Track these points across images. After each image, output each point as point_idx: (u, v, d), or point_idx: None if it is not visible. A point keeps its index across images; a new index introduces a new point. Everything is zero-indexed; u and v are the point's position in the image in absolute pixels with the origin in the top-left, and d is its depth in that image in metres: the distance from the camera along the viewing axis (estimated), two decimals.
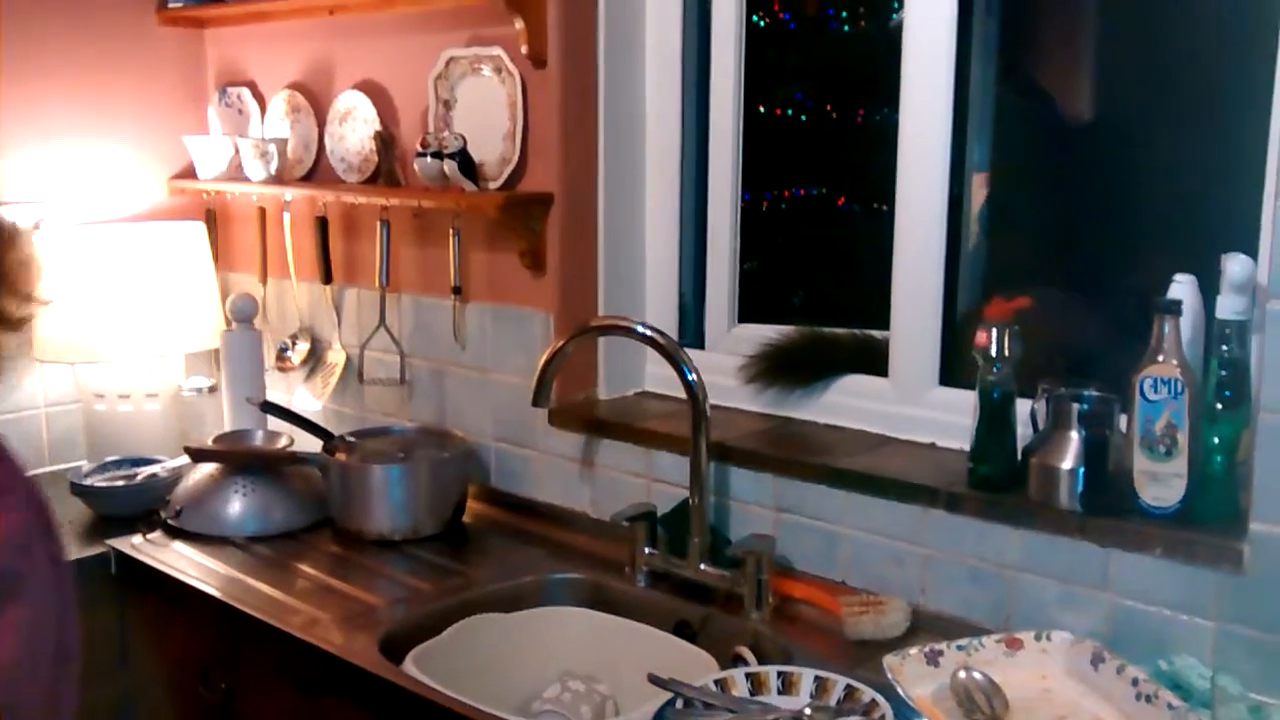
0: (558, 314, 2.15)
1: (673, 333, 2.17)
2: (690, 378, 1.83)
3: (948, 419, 1.86)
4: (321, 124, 2.55)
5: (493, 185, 2.19)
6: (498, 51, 2.17)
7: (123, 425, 2.53)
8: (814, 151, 2.30)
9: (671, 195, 2.20)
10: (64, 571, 1.06)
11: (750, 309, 2.23)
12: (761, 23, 2.20)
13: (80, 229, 2.55)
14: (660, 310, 2.23)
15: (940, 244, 1.89)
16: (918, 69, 1.86)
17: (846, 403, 1.99)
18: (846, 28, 2.29)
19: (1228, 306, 1.47)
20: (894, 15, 2.22)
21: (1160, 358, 1.49)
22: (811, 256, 2.36)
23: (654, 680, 1.41)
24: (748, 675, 1.46)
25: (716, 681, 1.45)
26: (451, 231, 2.26)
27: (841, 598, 1.74)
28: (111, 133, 2.67)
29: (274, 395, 2.53)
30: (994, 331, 1.64)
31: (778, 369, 2.02)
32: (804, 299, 2.37)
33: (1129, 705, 1.40)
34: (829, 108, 2.31)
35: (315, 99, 2.57)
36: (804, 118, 2.30)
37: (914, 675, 1.48)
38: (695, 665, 1.64)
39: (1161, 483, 1.50)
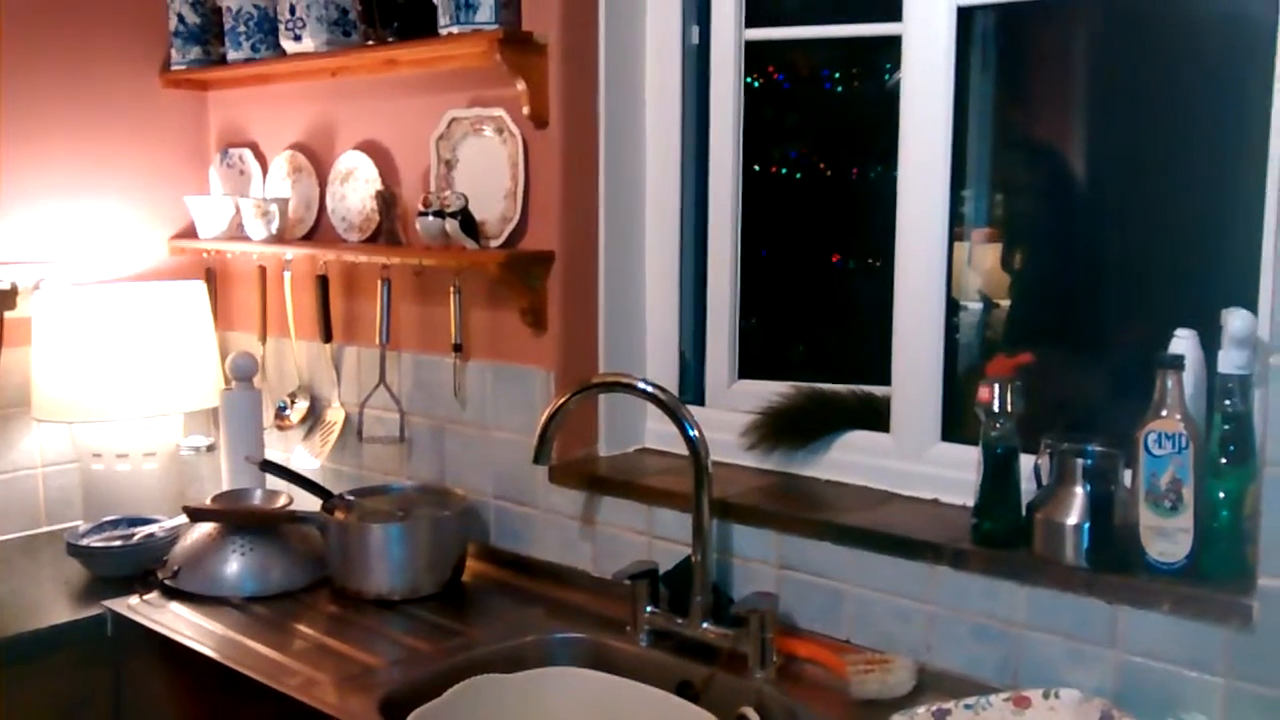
0: (558, 371, 2.15)
1: (673, 389, 2.17)
2: (692, 434, 1.83)
3: (950, 475, 1.86)
4: (323, 184, 2.56)
5: (494, 244, 2.20)
6: (499, 112, 2.19)
7: (120, 485, 2.52)
8: (808, 209, 2.32)
9: (671, 253, 2.21)
10: None
11: (748, 365, 2.23)
12: (756, 84, 2.23)
13: (80, 288, 2.55)
14: (660, 367, 2.23)
15: (940, 300, 1.89)
16: (915, 127, 1.88)
17: (848, 459, 1.98)
18: (840, 88, 2.32)
19: (1230, 361, 1.47)
20: (887, 76, 2.25)
21: (1164, 412, 1.49)
22: (806, 313, 2.37)
23: None
24: None
25: None
26: (452, 290, 2.27)
27: (846, 656, 1.73)
28: (113, 193, 2.69)
29: (272, 454, 2.52)
30: (996, 387, 1.64)
31: (779, 432, 2.02)
32: (802, 354, 2.37)
33: None
34: (822, 166, 2.33)
35: (316, 159, 2.59)
36: (799, 176, 2.33)
37: None
38: None
39: (1168, 538, 1.49)
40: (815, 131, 2.35)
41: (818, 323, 2.38)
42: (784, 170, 2.31)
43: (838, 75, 2.31)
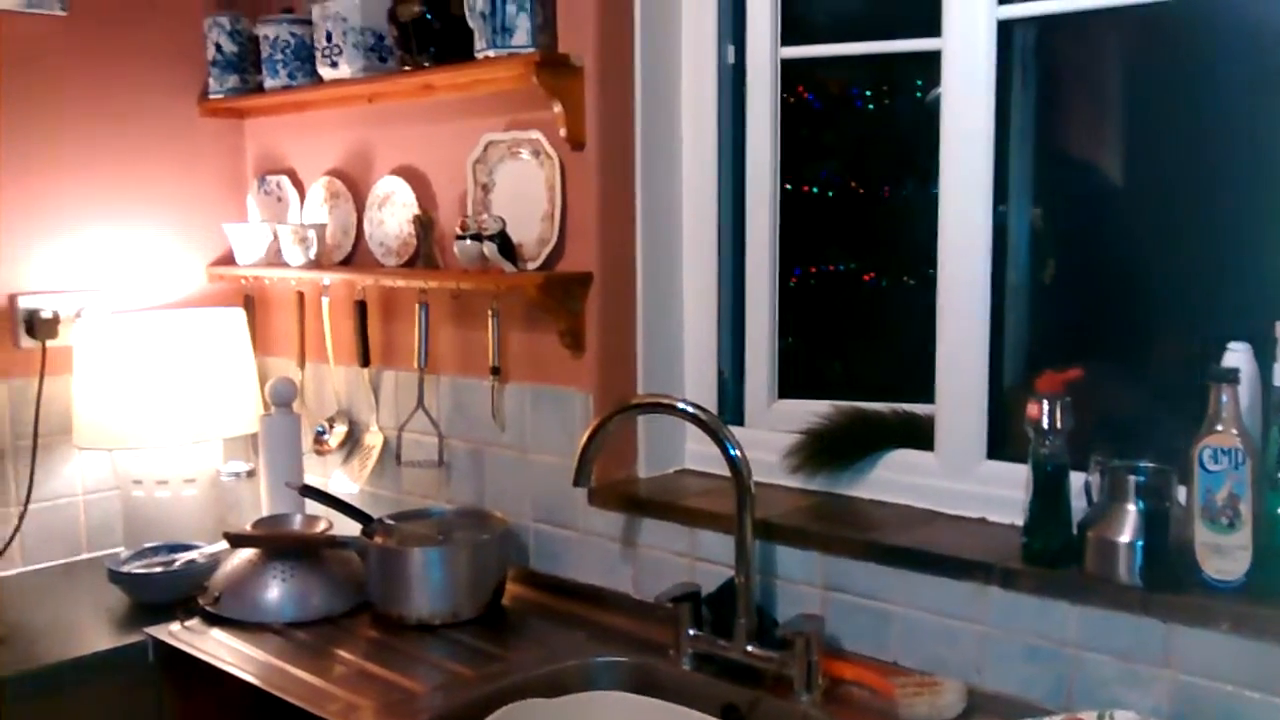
0: (597, 393, 2.14)
1: (712, 410, 2.16)
2: (734, 454, 1.81)
3: (997, 493, 1.83)
4: (360, 209, 2.57)
5: (531, 266, 2.20)
6: (536, 135, 2.19)
7: (161, 511, 2.52)
8: (841, 228, 2.31)
9: (709, 272, 2.20)
10: None
11: (785, 384, 2.21)
12: (787, 103, 2.22)
13: (121, 316, 2.57)
14: (699, 387, 2.21)
15: (985, 316, 1.87)
16: (957, 142, 1.86)
17: (892, 478, 1.96)
18: (871, 106, 2.31)
19: None
20: (919, 94, 2.24)
21: (1219, 427, 1.46)
22: (841, 332, 2.35)
23: None
24: None
25: None
26: (490, 313, 2.27)
27: (894, 679, 1.70)
28: (152, 221, 2.71)
29: (311, 478, 2.52)
30: (1045, 404, 1.62)
31: (822, 454, 2.00)
32: (839, 374, 2.36)
33: None
34: (854, 184, 2.32)
35: (354, 185, 2.60)
36: (831, 194, 2.32)
37: None
38: None
39: (1225, 555, 1.46)
40: (847, 150, 2.34)
41: (853, 341, 2.36)
42: (815, 190, 2.30)
43: (869, 93, 2.31)
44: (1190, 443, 1.50)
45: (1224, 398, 1.47)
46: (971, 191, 1.85)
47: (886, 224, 2.29)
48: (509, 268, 2.16)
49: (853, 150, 2.34)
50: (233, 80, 2.67)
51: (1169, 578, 1.52)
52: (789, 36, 2.12)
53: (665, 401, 1.91)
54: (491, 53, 2.09)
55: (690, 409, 1.86)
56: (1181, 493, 1.55)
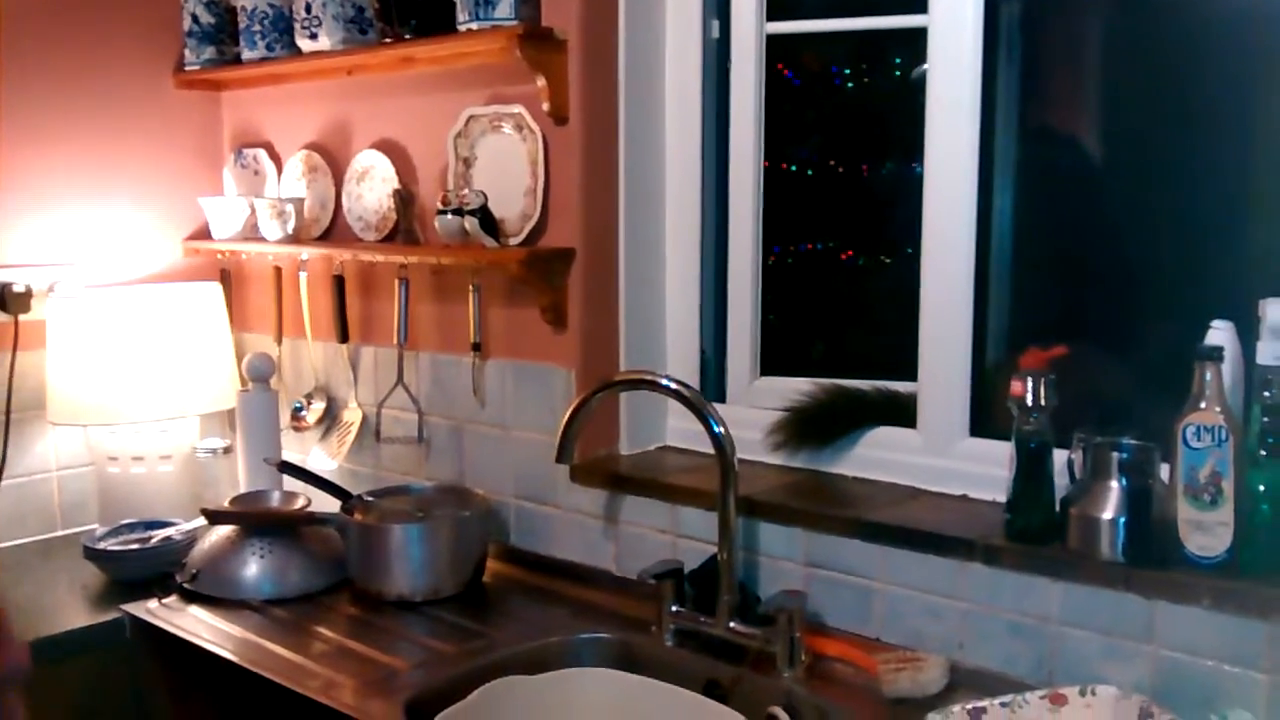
0: (579, 369, 2.13)
1: (694, 386, 2.15)
2: (718, 431, 1.81)
3: (979, 470, 1.83)
4: (339, 183, 2.55)
5: (514, 241, 2.18)
6: (519, 109, 2.17)
7: (136, 488, 2.50)
8: (819, 206, 2.30)
9: (692, 249, 2.19)
10: None
11: (766, 362, 2.21)
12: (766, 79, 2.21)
13: (95, 291, 2.53)
14: (681, 364, 2.21)
15: (968, 294, 1.87)
16: (942, 120, 1.85)
17: (875, 455, 1.96)
18: (850, 84, 2.31)
19: (1269, 352, 1.45)
20: (897, 72, 2.24)
21: (1203, 404, 1.47)
22: (821, 309, 2.35)
23: None
24: None
25: None
26: (471, 288, 2.25)
27: (877, 654, 1.70)
28: (126, 194, 2.68)
29: (288, 455, 2.50)
30: (1029, 381, 1.62)
31: (805, 431, 2.00)
32: (821, 352, 2.36)
33: None
34: (832, 162, 2.31)
35: (332, 158, 2.57)
36: (810, 172, 2.31)
37: None
38: None
39: (1207, 532, 1.47)
40: (825, 128, 2.33)
41: (831, 319, 2.36)
42: (794, 167, 2.29)
43: (847, 71, 2.30)
44: (1172, 420, 1.51)
45: (1208, 375, 1.47)
46: (956, 169, 1.85)
47: (865, 202, 2.28)
48: (491, 243, 2.15)
49: (831, 128, 2.33)
50: (209, 52, 2.63)
51: (1151, 554, 1.53)
52: (774, 12, 2.11)
53: (649, 378, 1.90)
54: (474, 25, 2.06)
55: (674, 385, 1.86)
56: (1164, 470, 1.56)
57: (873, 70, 2.28)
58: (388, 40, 2.27)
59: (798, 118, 2.30)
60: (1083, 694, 1.50)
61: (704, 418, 1.82)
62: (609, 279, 2.14)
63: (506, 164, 2.20)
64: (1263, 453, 1.46)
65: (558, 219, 2.14)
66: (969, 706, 1.48)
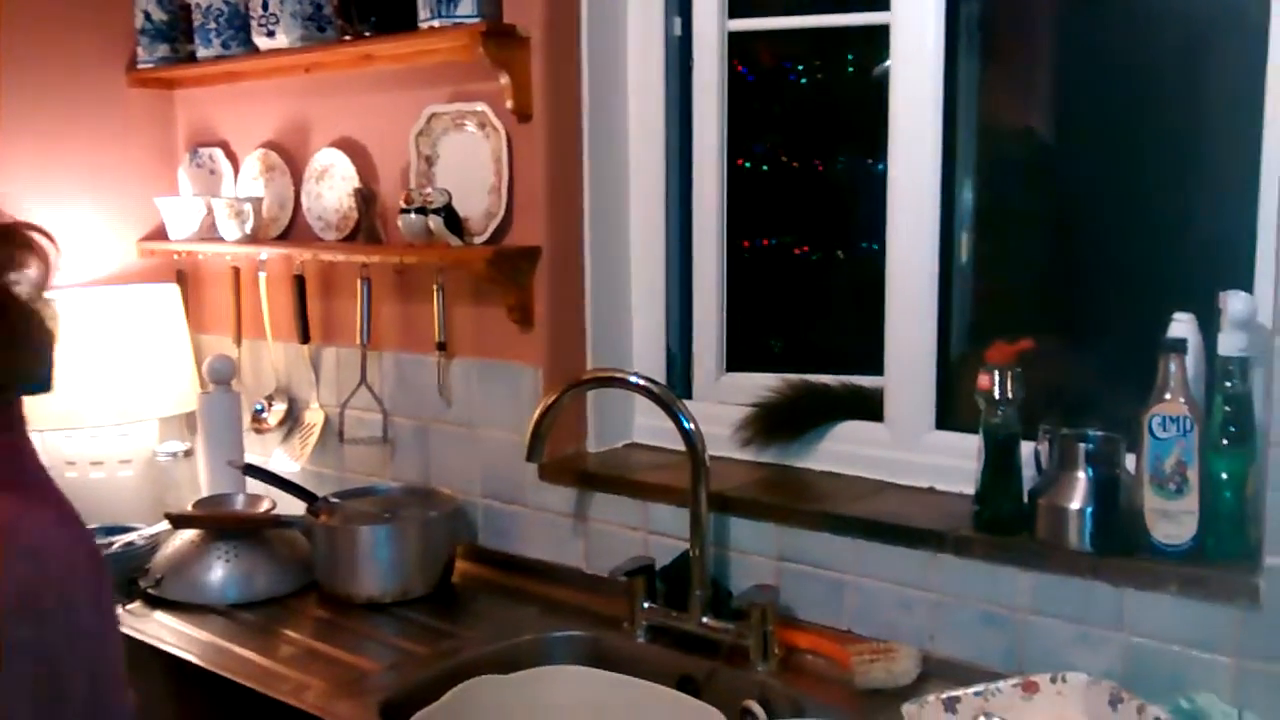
0: (546, 368, 2.13)
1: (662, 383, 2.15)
2: (688, 427, 1.82)
3: (946, 463, 1.86)
4: (297, 182, 2.52)
5: (478, 240, 2.17)
6: (481, 107, 2.16)
7: (96, 493, 2.46)
8: (775, 202, 2.31)
9: (657, 246, 2.19)
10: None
11: (729, 358, 2.22)
12: None
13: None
14: (648, 361, 2.21)
15: (933, 288, 1.89)
16: (905, 115, 1.87)
17: (842, 449, 1.98)
18: (804, 80, 2.32)
19: (1230, 343, 1.48)
20: (849, 68, 2.26)
21: (1168, 395, 1.49)
22: (778, 305, 2.36)
23: None
24: None
25: None
26: (435, 287, 2.24)
27: (850, 646, 1.72)
28: (78, 194, 2.63)
29: (251, 457, 2.47)
30: (997, 374, 1.64)
31: (773, 427, 2.01)
32: (781, 347, 2.37)
33: None
34: (785, 158, 2.32)
35: (290, 157, 2.54)
36: (765, 168, 2.32)
37: None
38: None
39: (1173, 520, 1.50)
40: (780, 124, 2.34)
41: (790, 315, 2.37)
42: (748, 164, 2.30)
43: (800, 68, 2.31)
44: (1135, 411, 1.54)
45: (1172, 367, 1.50)
46: (920, 164, 1.87)
47: (820, 198, 2.29)
48: (455, 242, 2.14)
49: (786, 125, 2.35)
50: (163, 49, 2.60)
51: (1119, 543, 1.56)
52: (735, 9, 2.12)
53: (619, 376, 1.91)
54: (436, 23, 2.05)
55: (643, 383, 1.86)
56: (1129, 460, 1.59)
57: (827, 67, 2.29)
58: (347, 38, 2.25)
59: (753, 114, 2.31)
60: (1054, 681, 1.53)
61: (674, 414, 1.83)
62: (575, 277, 2.14)
63: (470, 162, 2.19)
64: (1225, 441, 1.49)
65: (522, 217, 2.14)
66: (943, 696, 1.50)
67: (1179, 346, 1.50)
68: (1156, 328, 1.57)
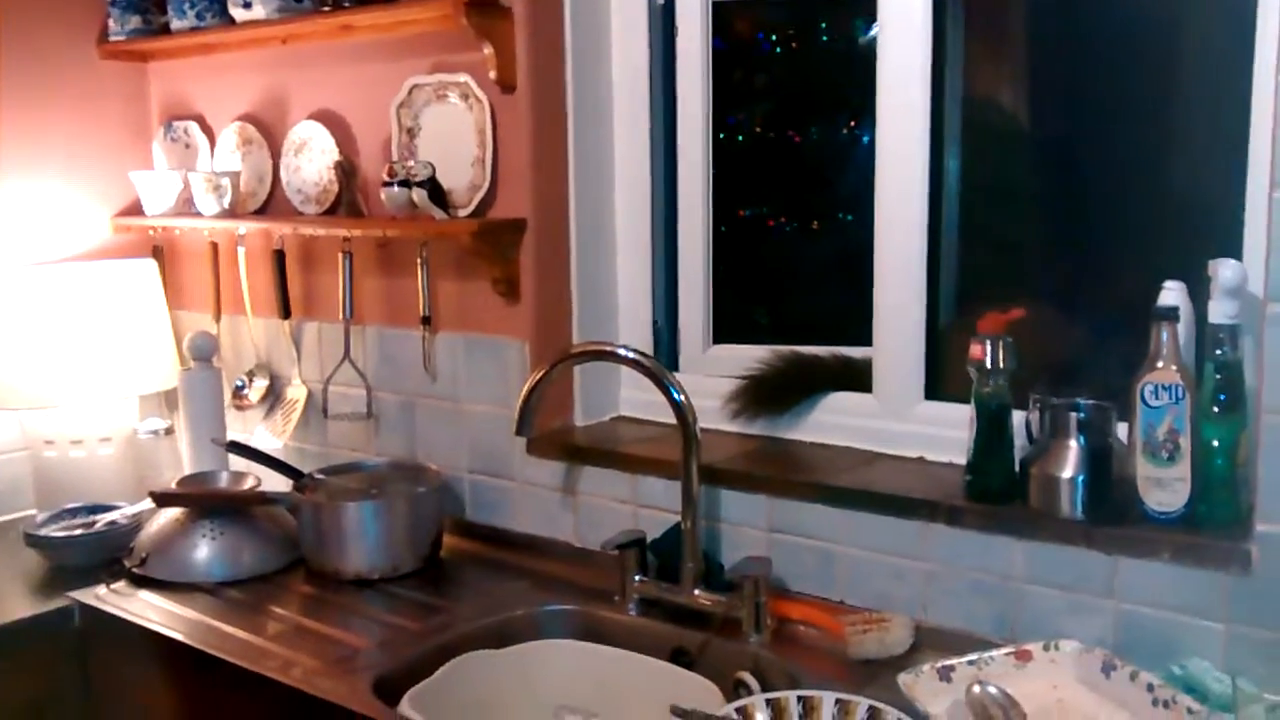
0: (533, 341, 2.11)
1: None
2: (679, 399, 1.81)
3: (935, 432, 1.86)
4: (276, 156, 2.49)
5: (462, 213, 2.15)
6: (464, 78, 2.13)
7: (75, 472, 2.44)
8: (752, 173, 2.29)
9: (642, 217, 2.18)
10: None
11: (715, 330, 2.22)
12: None
13: (23, 270, 2.45)
14: (634, 333, 2.20)
15: (921, 259, 1.89)
16: (893, 83, 1.86)
17: (832, 420, 1.98)
18: (779, 49, 2.30)
19: (1221, 311, 1.48)
20: (824, 38, 2.24)
21: (1160, 364, 1.50)
22: (757, 277, 2.35)
23: (676, 712, 1.37)
24: (768, 702, 1.43)
25: (738, 710, 1.41)
26: (419, 261, 2.22)
27: (843, 617, 1.72)
28: (51, 169, 2.59)
29: (232, 434, 2.45)
30: (988, 344, 1.64)
31: (762, 399, 2.01)
32: (766, 319, 2.36)
33: (1146, 712, 1.40)
34: (759, 129, 2.30)
35: (268, 130, 2.51)
36: (740, 139, 2.30)
37: (928, 692, 1.47)
38: (698, 693, 1.60)
39: (1166, 488, 1.51)
40: (757, 95, 2.32)
41: (769, 286, 2.36)
42: (723, 136, 2.28)
43: (774, 38, 2.29)
44: (1124, 379, 1.54)
45: (1164, 335, 1.50)
46: (908, 133, 1.86)
47: (796, 169, 2.28)
48: (440, 215, 2.11)
49: (762, 96, 2.33)
50: (135, 21, 2.55)
51: (1111, 511, 1.56)
52: None
53: (608, 349, 1.90)
54: None
55: (633, 355, 1.85)
56: (1120, 429, 1.59)
57: (802, 37, 2.27)
58: (326, 8, 2.21)
59: (730, 85, 2.29)
60: (1046, 649, 1.54)
61: (664, 387, 1.82)
62: (560, 249, 2.13)
63: (453, 134, 2.17)
64: (1215, 409, 1.50)
65: (507, 189, 2.12)
66: (938, 665, 1.51)
67: (1170, 315, 1.50)
68: (1146, 296, 1.57)
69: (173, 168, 2.67)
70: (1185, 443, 1.49)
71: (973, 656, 1.52)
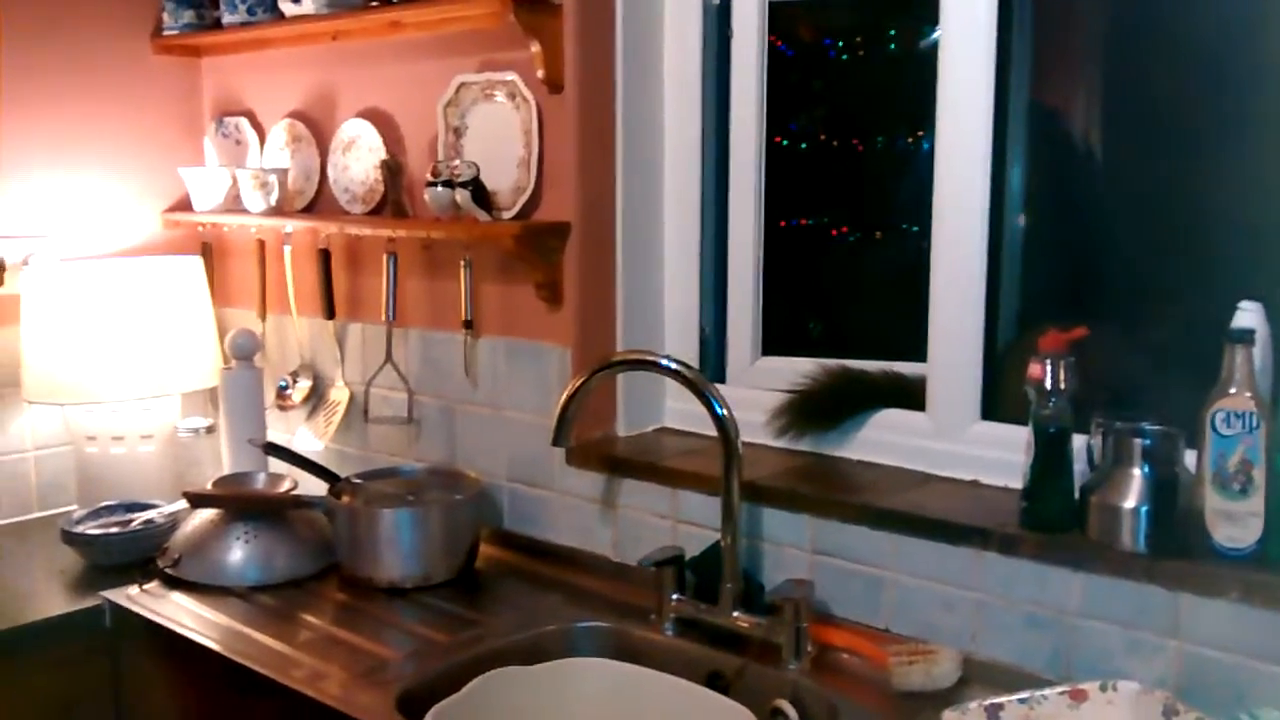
0: (575, 348, 2.06)
1: (694, 367, 2.08)
2: (721, 413, 1.74)
3: (991, 455, 1.78)
4: (324, 153, 2.46)
5: (506, 215, 2.10)
6: (512, 77, 2.09)
7: (116, 468, 2.42)
8: (813, 181, 2.23)
9: (692, 225, 2.12)
10: None
11: (765, 341, 2.15)
12: None
13: (71, 264, 2.45)
14: (681, 343, 2.14)
15: (981, 273, 1.80)
16: (955, 91, 1.78)
17: (882, 438, 1.90)
18: (845, 56, 2.23)
19: None
20: (891, 45, 2.16)
21: (1233, 389, 1.41)
22: (814, 287, 2.28)
23: None
24: None
25: None
26: (463, 263, 2.17)
27: (887, 646, 1.65)
28: (103, 164, 2.59)
29: (273, 435, 2.43)
30: (1049, 363, 1.56)
31: (810, 416, 1.93)
32: (820, 331, 2.29)
33: None
34: (823, 136, 2.24)
35: (317, 128, 2.48)
36: (803, 146, 2.23)
37: None
38: None
39: (1237, 522, 1.41)
40: (819, 101, 2.26)
41: (827, 297, 2.29)
42: (785, 141, 2.22)
43: (841, 44, 2.22)
44: (1193, 404, 1.45)
45: (1238, 359, 1.41)
46: (969, 143, 1.78)
47: (858, 178, 2.21)
48: (483, 216, 2.07)
49: (825, 102, 2.26)
50: (188, 16, 2.54)
51: (1175, 545, 1.47)
52: None
53: (650, 358, 1.83)
54: None
55: (675, 366, 1.79)
56: (1188, 458, 1.50)
57: (868, 43, 2.20)
58: (374, 4, 2.18)
59: (792, 90, 2.23)
60: (1104, 689, 1.45)
61: (706, 399, 1.76)
62: (606, 254, 2.07)
63: (499, 134, 2.12)
64: None
65: (552, 191, 2.07)
66: (986, 703, 1.43)
67: (1245, 337, 1.41)
68: (1218, 317, 1.48)
69: (224, 164, 2.66)
70: (1259, 475, 1.40)
71: (1024, 694, 1.44)
